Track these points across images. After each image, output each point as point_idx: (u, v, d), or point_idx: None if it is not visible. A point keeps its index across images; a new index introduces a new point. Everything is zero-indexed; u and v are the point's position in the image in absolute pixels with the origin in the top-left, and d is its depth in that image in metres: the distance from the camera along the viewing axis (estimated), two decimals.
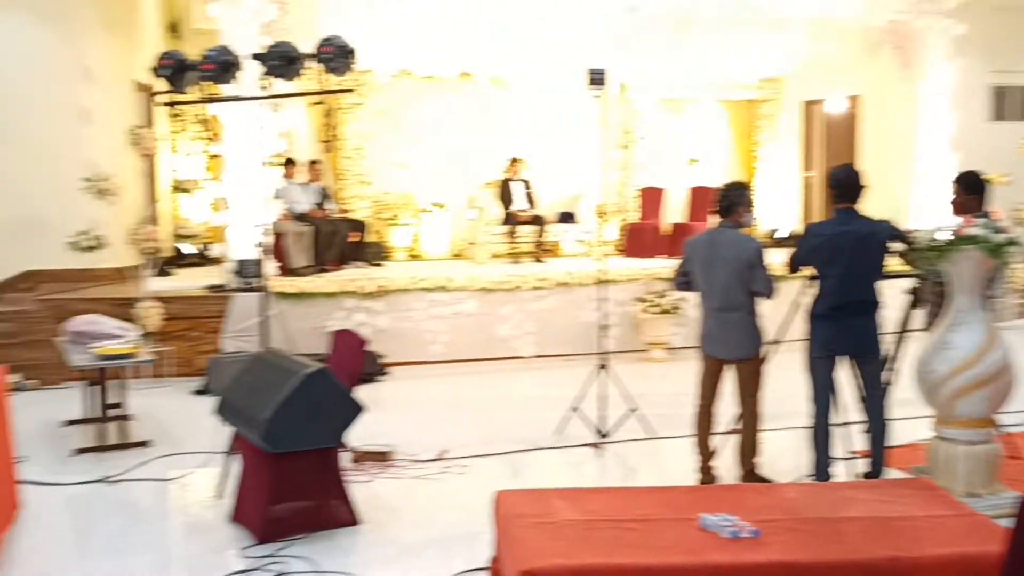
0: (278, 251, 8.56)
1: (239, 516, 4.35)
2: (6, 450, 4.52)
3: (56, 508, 4.74)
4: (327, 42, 4.95)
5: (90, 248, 7.57)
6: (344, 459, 4.52)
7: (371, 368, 7.59)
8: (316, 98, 5.61)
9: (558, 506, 3.32)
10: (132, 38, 9.72)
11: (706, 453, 4.84)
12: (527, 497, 3.51)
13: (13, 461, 4.63)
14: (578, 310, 8.60)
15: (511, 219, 10.34)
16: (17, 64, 8.72)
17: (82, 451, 5.61)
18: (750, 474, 4.72)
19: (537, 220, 10.43)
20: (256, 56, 5.20)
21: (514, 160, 10.67)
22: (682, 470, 5.01)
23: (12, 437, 4.67)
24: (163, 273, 9.26)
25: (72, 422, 6.29)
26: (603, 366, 6.03)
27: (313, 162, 9.97)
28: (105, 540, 4.38)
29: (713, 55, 10.71)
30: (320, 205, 9.52)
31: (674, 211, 11.68)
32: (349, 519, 4.25)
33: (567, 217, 10.96)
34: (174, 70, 5.17)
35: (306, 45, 5.24)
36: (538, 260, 10.15)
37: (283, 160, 9.20)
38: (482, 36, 9.95)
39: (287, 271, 8.63)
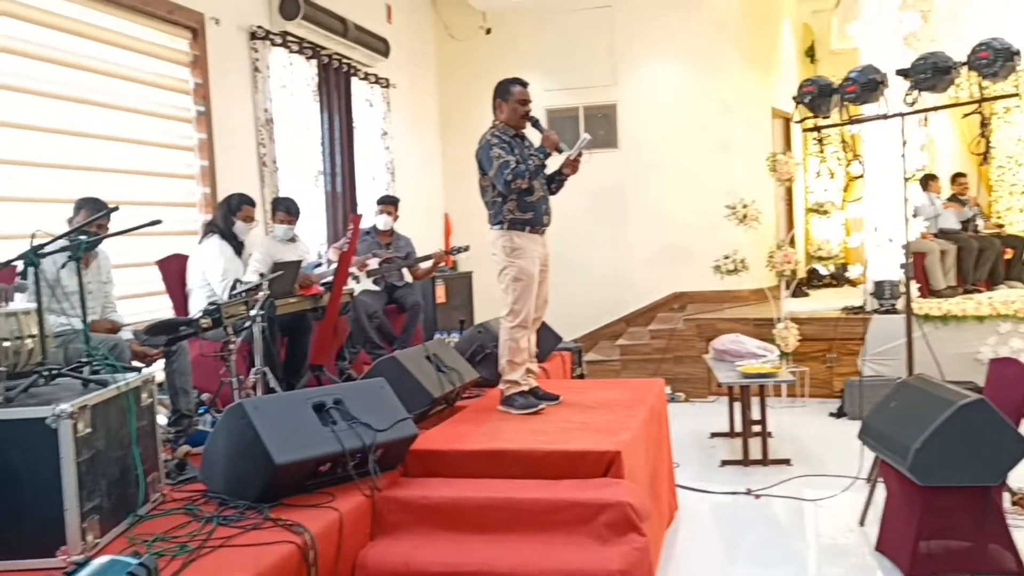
0: (919, 271, 8.10)
1: (883, 546, 4.18)
2: (667, 455, 4.99)
3: (705, 514, 5.07)
4: (984, 46, 4.53)
5: (732, 271, 8.02)
6: (1005, 500, 4.06)
7: None
8: (969, 108, 5.16)
9: None
10: (769, 69, 10.12)
11: None
12: None
13: (672, 466, 5.10)
14: None
15: None
16: (668, 103, 9.72)
17: (727, 463, 5.93)
18: None
19: None
20: (901, 72, 4.99)
21: None
22: None
23: (670, 444, 5.15)
24: (799, 294, 9.42)
25: (717, 435, 6.71)
26: None
27: (957, 175, 9.26)
28: (749, 550, 4.56)
29: None
30: (969, 221, 8.80)
31: None
32: (1013, 568, 3.79)
33: None
34: (815, 95, 5.21)
35: (955, 52, 4.88)
36: None
37: (924, 175, 8.71)
38: None
39: (929, 292, 8.12)
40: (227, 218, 5.27)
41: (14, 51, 4.69)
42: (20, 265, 3.33)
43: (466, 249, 7.12)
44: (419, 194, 9.43)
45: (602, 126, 9.85)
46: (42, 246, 3.24)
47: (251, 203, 5.40)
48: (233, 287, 4.75)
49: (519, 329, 4.62)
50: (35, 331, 3.21)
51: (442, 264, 7.36)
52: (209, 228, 5.31)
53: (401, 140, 9.01)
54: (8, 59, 4.65)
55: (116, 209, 3.83)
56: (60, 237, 3.36)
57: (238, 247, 5.29)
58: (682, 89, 9.70)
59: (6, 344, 3.09)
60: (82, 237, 3.42)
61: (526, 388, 4.65)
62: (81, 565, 2.20)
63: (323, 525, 3.11)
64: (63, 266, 3.49)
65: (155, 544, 2.97)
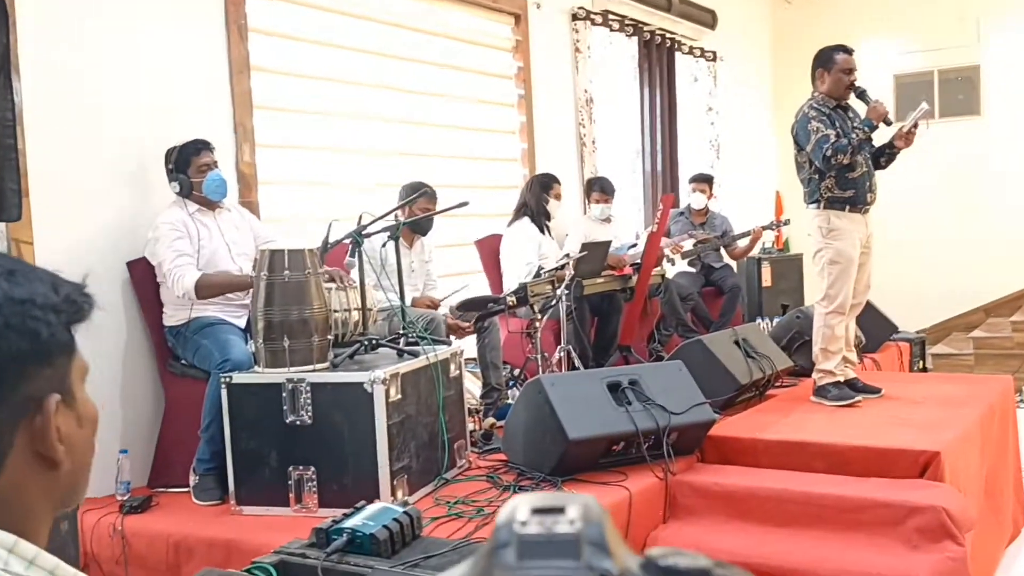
0: None
1: None
2: (1014, 462, 4.42)
3: None
4: None
5: None
6: None
7: None
8: None
9: None
10: None
11: None
12: None
13: (1021, 476, 4.50)
14: None
15: None
16: None
17: None
18: None
19: None
20: None
21: None
22: None
23: (1019, 450, 4.54)
24: None
25: None
26: None
27: None
28: None
29: None
30: None
31: None
32: None
33: None
34: None
35: None
36: None
37: None
38: None
39: None
40: (539, 197, 5.42)
41: (353, 48, 5.14)
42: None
43: (786, 223, 6.78)
44: (748, 171, 9.11)
45: (961, 91, 8.86)
46: (365, 227, 3.56)
47: (558, 181, 5.54)
48: (537, 274, 4.84)
49: (835, 315, 4.31)
50: (359, 304, 3.54)
51: (764, 242, 7.07)
52: (519, 211, 5.50)
53: (728, 115, 8.74)
54: (348, 56, 5.11)
55: (430, 193, 4.10)
56: (380, 218, 3.67)
57: (546, 226, 5.42)
58: None
59: (335, 315, 3.45)
60: (401, 218, 3.71)
61: (841, 378, 4.34)
62: (358, 508, 2.46)
63: (613, 503, 3.14)
64: (383, 245, 3.81)
65: (456, 506, 3.17)
